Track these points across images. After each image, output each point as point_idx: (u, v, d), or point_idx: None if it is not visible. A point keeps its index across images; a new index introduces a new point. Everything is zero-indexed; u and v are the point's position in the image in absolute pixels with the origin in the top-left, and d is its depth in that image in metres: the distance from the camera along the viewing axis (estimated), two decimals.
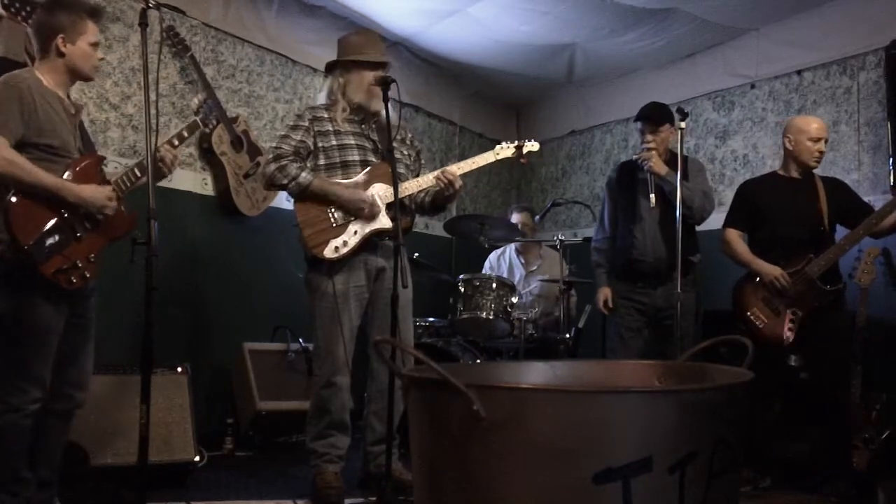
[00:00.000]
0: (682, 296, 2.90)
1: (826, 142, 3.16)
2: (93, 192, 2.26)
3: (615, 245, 3.48)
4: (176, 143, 2.50)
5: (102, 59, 2.40)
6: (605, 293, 3.49)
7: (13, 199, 2.13)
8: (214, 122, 3.64)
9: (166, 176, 2.51)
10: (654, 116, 3.36)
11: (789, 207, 3.11)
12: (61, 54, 2.27)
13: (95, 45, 2.33)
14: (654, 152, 3.30)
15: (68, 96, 2.36)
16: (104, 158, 2.48)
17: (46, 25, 2.27)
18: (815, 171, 3.20)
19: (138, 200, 2.41)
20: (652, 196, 3.25)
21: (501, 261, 4.61)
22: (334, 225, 2.82)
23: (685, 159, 3.43)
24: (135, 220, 2.39)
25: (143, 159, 2.24)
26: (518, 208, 4.70)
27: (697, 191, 3.30)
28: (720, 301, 3.45)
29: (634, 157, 3.42)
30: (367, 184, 2.87)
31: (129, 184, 2.38)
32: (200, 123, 2.65)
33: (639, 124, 3.40)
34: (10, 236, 2.12)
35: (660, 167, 3.27)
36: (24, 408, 2.17)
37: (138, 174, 2.38)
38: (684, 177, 3.26)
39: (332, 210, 2.82)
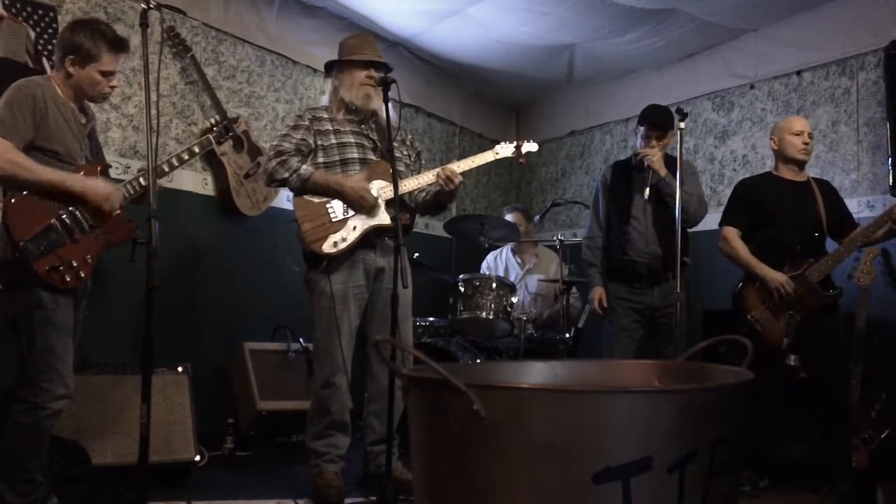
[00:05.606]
0: (681, 295, 2.90)
1: (811, 136, 3.17)
2: (96, 182, 2.31)
3: (609, 244, 3.45)
4: (186, 157, 2.57)
5: (114, 87, 2.43)
6: (599, 293, 3.43)
7: (12, 200, 2.18)
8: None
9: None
10: (664, 122, 3.33)
11: (792, 211, 3.11)
12: (69, 74, 2.33)
13: (109, 73, 2.37)
14: (657, 151, 3.29)
15: (81, 107, 2.41)
16: (108, 166, 2.53)
17: (64, 42, 2.34)
18: (808, 174, 3.20)
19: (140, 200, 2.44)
20: (647, 190, 3.22)
21: (498, 261, 4.61)
22: (333, 220, 2.82)
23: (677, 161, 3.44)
24: (134, 229, 2.42)
25: (145, 170, 2.28)
26: (511, 209, 4.73)
27: (693, 195, 3.30)
28: (720, 301, 3.45)
29: (635, 153, 3.40)
30: (366, 181, 2.86)
31: (132, 192, 2.43)
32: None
33: (644, 127, 3.35)
34: (7, 235, 2.16)
35: (661, 166, 3.27)
36: (48, 406, 2.20)
37: (143, 183, 2.42)
38: (680, 181, 3.27)
39: (332, 205, 2.83)
